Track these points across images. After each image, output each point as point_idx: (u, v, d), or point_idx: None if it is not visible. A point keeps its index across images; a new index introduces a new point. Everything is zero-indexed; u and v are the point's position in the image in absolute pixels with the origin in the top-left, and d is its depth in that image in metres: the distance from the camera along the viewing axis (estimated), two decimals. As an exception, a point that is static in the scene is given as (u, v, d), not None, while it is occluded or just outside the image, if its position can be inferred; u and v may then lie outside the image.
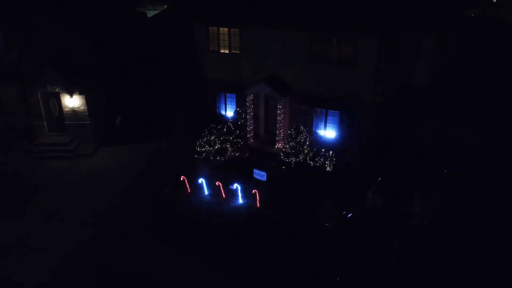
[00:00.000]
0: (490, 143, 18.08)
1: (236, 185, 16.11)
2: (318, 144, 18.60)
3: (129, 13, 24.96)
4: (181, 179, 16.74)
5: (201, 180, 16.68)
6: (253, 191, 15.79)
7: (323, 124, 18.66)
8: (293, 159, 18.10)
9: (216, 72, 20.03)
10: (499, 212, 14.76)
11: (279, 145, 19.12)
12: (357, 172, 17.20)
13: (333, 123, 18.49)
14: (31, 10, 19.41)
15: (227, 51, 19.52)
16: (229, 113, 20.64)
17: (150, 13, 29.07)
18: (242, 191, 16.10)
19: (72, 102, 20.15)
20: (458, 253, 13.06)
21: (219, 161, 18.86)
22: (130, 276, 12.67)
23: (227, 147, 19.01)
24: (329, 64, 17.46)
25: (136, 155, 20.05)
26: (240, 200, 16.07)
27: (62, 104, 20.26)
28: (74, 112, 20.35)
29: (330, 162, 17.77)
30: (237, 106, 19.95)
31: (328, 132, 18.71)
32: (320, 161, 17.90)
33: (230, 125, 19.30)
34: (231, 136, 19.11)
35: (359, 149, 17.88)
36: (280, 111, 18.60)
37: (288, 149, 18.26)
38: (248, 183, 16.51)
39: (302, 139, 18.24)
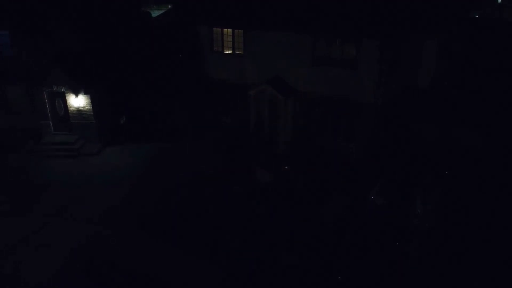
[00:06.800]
0: (493, 144, 18.12)
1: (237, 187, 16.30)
2: (321, 144, 18.72)
3: (134, 13, 25.13)
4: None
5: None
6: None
7: (325, 124, 18.77)
8: (296, 160, 18.23)
9: (220, 72, 20.18)
10: (501, 213, 14.83)
11: (282, 146, 19.25)
12: (359, 173, 17.31)
13: (335, 124, 18.59)
14: (37, 11, 19.64)
15: (231, 52, 19.66)
16: (233, 113, 20.78)
17: (155, 13, 29.23)
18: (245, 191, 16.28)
19: (77, 101, 20.38)
20: (459, 255, 13.16)
21: (223, 162, 19.02)
22: (134, 273, 12.86)
23: (231, 147, 19.18)
24: (332, 66, 17.57)
25: (140, 155, 20.25)
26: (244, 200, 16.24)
27: (68, 103, 20.49)
28: (79, 111, 20.58)
29: (333, 162, 17.88)
30: (240, 107, 20.08)
31: (331, 133, 18.81)
32: (323, 161, 18.02)
33: (233, 125, 19.46)
34: (235, 136, 19.28)
35: (362, 150, 17.98)
36: (283, 112, 18.74)
37: (291, 149, 18.40)
38: (251, 184, 16.66)
39: (304, 139, 18.36)
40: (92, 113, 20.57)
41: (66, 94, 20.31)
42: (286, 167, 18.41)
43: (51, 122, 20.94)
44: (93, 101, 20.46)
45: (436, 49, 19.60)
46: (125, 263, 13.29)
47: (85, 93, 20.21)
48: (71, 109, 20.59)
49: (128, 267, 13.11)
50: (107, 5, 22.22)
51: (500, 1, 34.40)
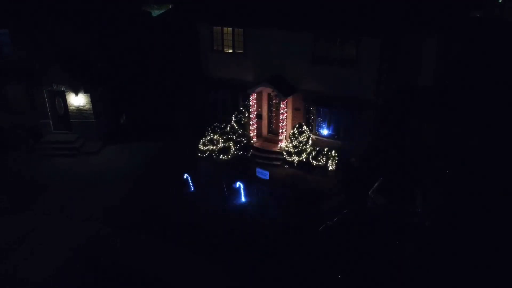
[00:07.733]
0: (492, 143, 18.11)
1: (238, 184, 16.26)
2: (321, 143, 18.73)
3: (134, 12, 25.18)
4: (184, 177, 16.94)
5: (204, 179, 16.84)
6: (255, 190, 15.94)
7: (325, 123, 18.77)
8: (295, 158, 18.25)
9: (220, 71, 20.18)
10: (501, 211, 14.81)
11: (282, 144, 19.26)
12: (359, 171, 17.30)
13: (335, 123, 18.59)
14: (37, 11, 19.66)
15: (231, 51, 19.66)
16: (233, 112, 20.80)
17: (155, 13, 29.29)
18: (245, 189, 16.24)
19: (77, 100, 20.39)
20: (459, 253, 13.14)
21: (222, 160, 19.04)
22: (134, 272, 12.84)
23: (231, 146, 19.21)
24: (332, 64, 17.57)
25: (140, 153, 20.25)
26: (243, 199, 16.21)
27: (68, 102, 20.51)
28: (79, 110, 20.59)
29: (332, 161, 17.89)
30: (240, 105, 20.10)
31: (331, 132, 18.82)
32: (323, 160, 18.03)
33: (233, 124, 19.49)
34: (235, 135, 19.31)
35: (361, 148, 17.97)
36: (283, 111, 18.74)
37: (290, 148, 18.41)
38: (251, 182, 16.65)
39: (304, 138, 18.37)
40: (92, 112, 20.58)
41: (66, 93, 20.32)
42: (286, 166, 18.43)
43: (51, 121, 20.95)
44: (93, 100, 20.47)
45: (436, 48, 19.60)
46: (125, 262, 13.26)
47: (85, 92, 20.22)
48: (71, 108, 20.60)
49: (127, 267, 13.07)
50: (107, 4, 22.25)
51: (500, 1, 34.44)
